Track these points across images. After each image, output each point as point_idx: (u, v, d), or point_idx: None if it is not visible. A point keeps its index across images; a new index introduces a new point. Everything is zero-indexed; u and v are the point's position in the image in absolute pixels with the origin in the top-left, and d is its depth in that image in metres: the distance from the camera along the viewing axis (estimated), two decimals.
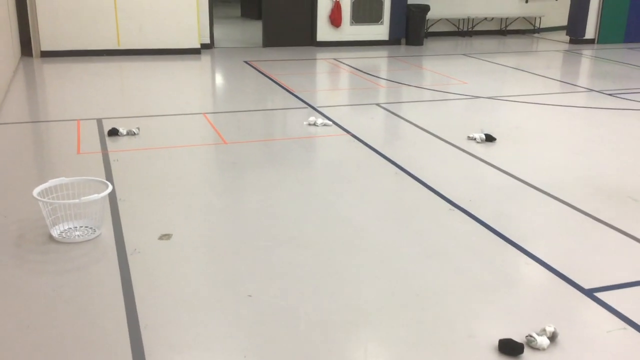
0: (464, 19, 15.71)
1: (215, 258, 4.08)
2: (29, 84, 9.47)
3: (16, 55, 10.33)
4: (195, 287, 3.72)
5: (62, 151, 6.17)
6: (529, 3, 16.24)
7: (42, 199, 4.20)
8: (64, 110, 7.74)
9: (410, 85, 9.70)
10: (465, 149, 6.42)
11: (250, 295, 3.60)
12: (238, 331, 3.29)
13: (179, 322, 3.34)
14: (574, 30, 14.79)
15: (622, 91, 9.39)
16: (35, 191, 4.25)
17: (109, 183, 4.46)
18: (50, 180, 4.47)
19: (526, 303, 3.62)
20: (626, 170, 5.89)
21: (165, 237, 4.30)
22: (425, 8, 13.90)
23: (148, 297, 3.57)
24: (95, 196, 4.20)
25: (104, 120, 7.14)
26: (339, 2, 13.30)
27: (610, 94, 9.16)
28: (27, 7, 10.90)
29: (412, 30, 13.91)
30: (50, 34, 11.13)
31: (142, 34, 11.63)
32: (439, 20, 15.39)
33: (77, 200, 4.19)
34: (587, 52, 13.67)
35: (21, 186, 5.20)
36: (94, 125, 7.00)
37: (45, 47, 11.17)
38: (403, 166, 5.85)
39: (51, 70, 10.29)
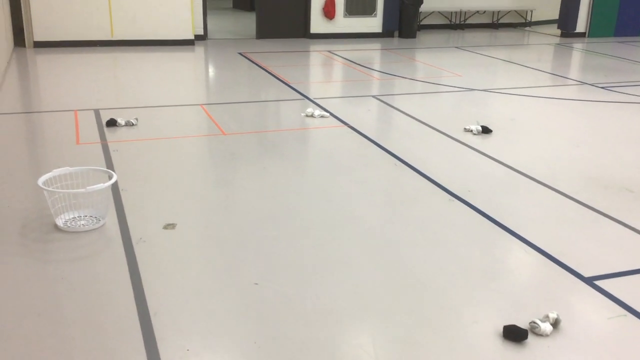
0: (456, 12, 15.78)
1: (220, 247, 4.13)
2: (23, 75, 9.43)
3: (9, 45, 10.27)
4: (202, 275, 3.76)
5: (62, 141, 6.17)
6: None
7: (48, 188, 4.22)
8: (60, 100, 7.72)
9: (404, 78, 9.75)
10: (462, 140, 6.50)
11: (256, 284, 3.65)
12: (246, 318, 3.33)
13: (188, 309, 3.38)
14: (565, 24, 14.91)
15: (614, 84, 9.50)
16: (40, 180, 4.27)
17: (113, 172, 4.48)
18: (54, 170, 4.48)
19: (527, 290, 3.69)
20: (620, 162, 5.99)
21: (170, 226, 4.33)
22: (418, 1, 13.95)
23: (156, 285, 3.60)
24: (101, 185, 4.23)
25: (101, 111, 7.14)
26: None
27: (602, 87, 9.27)
28: None
29: (405, 23, 13.97)
30: (43, 24, 11.07)
31: (136, 25, 11.60)
32: (431, 13, 15.45)
33: (83, 190, 4.21)
34: (578, 45, 13.79)
35: (23, 176, 5.21)
36: (91, 115, 7.00)
37: (38, 37, 11.12)
38: (401, 157, 5.91)
39: (45, 61, 10.25)
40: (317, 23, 13.51)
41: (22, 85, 8.79)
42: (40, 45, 11.13)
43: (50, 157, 5.82)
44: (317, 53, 12.00)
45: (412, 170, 5.59)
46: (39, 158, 5.87)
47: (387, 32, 14.00)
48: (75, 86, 8.49)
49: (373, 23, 13.88)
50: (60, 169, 4.51)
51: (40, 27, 11.08)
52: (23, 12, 10.92)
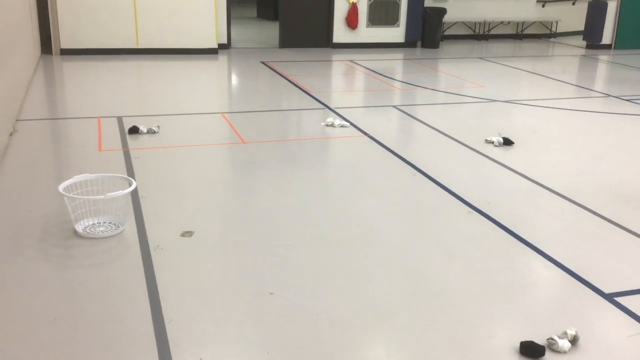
0: (480, 23, 15.70)
1: (237, 256, 4.13)
2: (49, 82, 9.58)
3: (36, 53, 10.45)
4: (217, 283, 3.77)
5: (84, 148, 6.25)
6: (545, 7, 16.20)
7: (68, 194, 4.27)
8: (84, 107, 7.83)
9: (426, 88, 9.71)
10: (483, 152, 6.44)
11: (272, 293, 3.65)
12: (260, 328, 3.33)
13: (202, 317, 3.39)
14: (591, 36, 14.74)
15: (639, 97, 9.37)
16: (61, 187, 4.32)
17: (132, 180, 4.52)
18: (75, 176, 4.54)
19: (546, 306, 3.64)
20: None
21: (187, 234, 4.35)
22: (442, 11, 13.91)
23: (171, 293, 3.62)
24: (120, 192, 4.27)
25: (124, 118, 7.22)
26: (355, 4, 13.34)
27: (628, 100, 9.14)
28: (47, 5, 11.03)
29: (428, 33, 13.93)
30: (70, 32, 11.25)
31: (161, 34, 11.73)
32: (455, 24, 15.39)
33: (102, 197, 4.25)
34: (603, 57, 13.63)
35: (45, 182, 5.28)
36: (114, 123, 7.08)
37: (65, 45, 11.30)
38: (420, 168, 5.88)
39: (71, 68, 10.40)
40: (340, 33, 13.54)
41: (47, 92, 8.93)
42: (66, 52, 11.31)
43: (72, 164, 5.89)
44: (339, 62, 12.02)
45: (431, 182, 5.55)
46: (62, 164, 5.94)
47: (409, 42, 13.97)
48: (99, 93, 8.60)
49: (396, 33, 13.87)
50: (80, 175, 4.56)
51: (67, 35, 11.26)
52: (50, 20, 11.12)
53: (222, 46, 12.53)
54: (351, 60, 12.06)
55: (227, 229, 4.56)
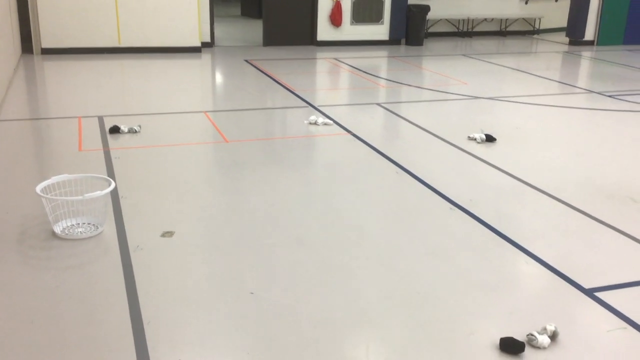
0: (464, 20, 15.75)
1: (217, 255, 4.10)
2: (30, 81, 9.48)
3: (17, 52, 10.33)
4: (197, 284, 3.74)
5: (64, 148, 6.18)
6: (528, 4, 16.28)
7: (45, 195, 4.21)
8: (65, 107, 7.75)
9: (410, 85, 9.72)
10: (466, 149, 6.45)
11: (252, 293, 3.62)
12: (241, 328, 3.30)
13: (182, 318, 3.36)
14: (574, 32, 14.83)
15: (622, 93, 9.43)
16: (38, 188, 4.27)
17: (111, 180, 4.48)
18: (53, 177, 4.48)
19: (527, 302, 3.64)
20: (626, 171, 5.92)
21: (168, 234, 4.32)
22: (426, 8, 13.93)
23: (151, 294, 3.58)
24: (99, 193, 4.22)
25: (105, 118, 7.16)
26: (339, 1, 13.32)
27: (610, 96, 9.20)
28: (27, 4, 10.91)
29: (412, 31, 13.94)
30: (51, 31, 11.14)
31: (143, 32, 11.64)
32: (439, 21, 15.42)
33: (80, 197, 4.20)
34: (586, 53, 13.71)
35: (23, 183, 5.21)
36: (95, 122, 7.02)
37: (45, 44, 11.18)
38: (404, 166, 5.87)
39: (52, 68, 10.30)
40: (324, 30, 13.51)
41: (28, 91, 8.83)
42: (47, 52, 11.19)
43: (51, 164, 5.83)
44: (323, 60, 12.00)
45: (413, 179, 5.55)
46: (41, 165, 5.88)
47: (394, 40, 13.98)
48: (80, 93, 8.52)
49: (380, 30, 13.87)
50: (59, 176, 4.51)
51: (48, 34, 11.14)
52: (31, 19, 10.99)
53: (205, 44, 12.46)
54: (335, 58, 12.04)
55: (208, 229, 4.53)
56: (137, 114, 7.44)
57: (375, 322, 3.41)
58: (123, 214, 4.63)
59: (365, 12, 13.65)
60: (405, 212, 4.89)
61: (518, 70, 11.37)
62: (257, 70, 10.62)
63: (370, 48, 13.51)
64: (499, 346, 3.16)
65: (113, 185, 4.40)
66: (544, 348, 3.16)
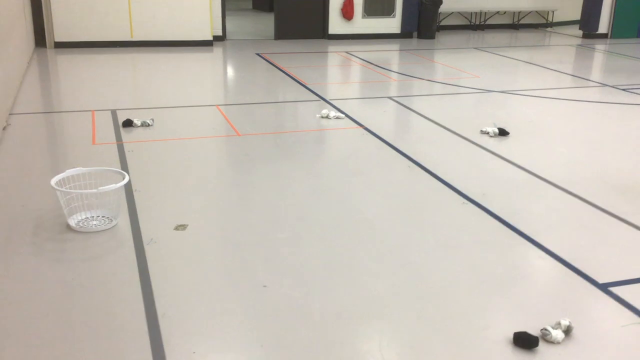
0: (476, 13, 15.65)
1: (230, 248, 4.12)
2: (43, 75, 9.53)
3: (30, 46, 10.39)
4: (211, 277, 3.76)
5: (78, 141, 6.22)
6: None
7: (60, 189, 4.25)
8: (78, 101, 7.79)
9: (422, 79, 9.68)
10: (478, 142, 6.42)
11: (265, 286, 3.64)
12: (254, 321, 3.32)
13: (196, 311, 3.38)
14: (587, 25, 14.70)
15: (636, 86, 9.34)
16: (53, 181, 4.30)
17: (125, 173, 4.50)
18: (67, 170, 4.51)
19: (540, 296, 3.63)
20: None
21: (181, 227, 4.34)
22: (438, 1, 13.85)
23: (165, 287, 3.61)
24: (113, 186, 4.24)
25: (118, 111, 7.19)
26: None
27: (624, 89, 9.12)
28: None
29: (424, 24, 13.88)
30: (64, 25, 11.19)
31: (155, 26, 11.67)
32: (451, 14, 15.34)
33: (94, 190, 4.23)
34: (600, 46, 13.60)
35: (38, 176, 5.25)
36: (108, 116, 7.05)
37: (59, 38, 11.24)
38: (416, 159, 5.86)
39: (65, 61, 10.35)
40: (336, 24, 13.48)
41: (41, 85, 8.89)
42: (60, 45, 11.25)
43: (65, 157, 5.87)
44: (334, 54, 11.98)
45: (426, 173, 5.54)
46: (55, 158, 5.92)
47: (405, 33, 13.92)
48: (93, 87, 8.56)
49: (392, 24, 13.82)
50: (73, 169, 4.54)
51: (61, 28, 11.20)
52: (44, 13, 11.05)
53: (217, 38, 12.47)
54: (347, 52, 12.02)
55: (221, 222, 4.55)
56: (149, 107, 7.46)
57: (388, 316, 3.41)
58: (137, 207, 4.66)
59: (377, 5, 13.60)
60: (417, 206, 4.88)
61: (531, 63, 11.30)
62: (269, 64, 10.62)
63: (382, 41, 13.47)
64: (512, 341, 3.15)
65: (127, 178, 4.43)
66: (558, 343, 3.15)
